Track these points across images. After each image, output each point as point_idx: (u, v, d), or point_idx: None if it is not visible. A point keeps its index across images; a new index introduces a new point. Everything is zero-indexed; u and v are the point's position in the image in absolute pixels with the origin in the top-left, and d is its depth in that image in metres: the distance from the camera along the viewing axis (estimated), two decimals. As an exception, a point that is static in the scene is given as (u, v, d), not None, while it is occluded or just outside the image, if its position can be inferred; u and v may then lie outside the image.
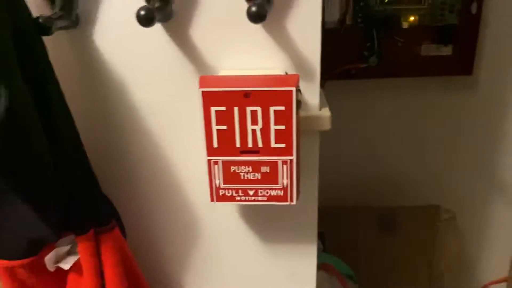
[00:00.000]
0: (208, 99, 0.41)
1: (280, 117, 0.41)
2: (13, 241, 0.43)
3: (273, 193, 0.44)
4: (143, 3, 0.41)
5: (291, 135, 0.42)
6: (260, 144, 0.42)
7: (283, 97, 0.40)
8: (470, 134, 1.03)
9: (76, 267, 0.46)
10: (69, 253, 0.46)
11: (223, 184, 0.44)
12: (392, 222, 1.05)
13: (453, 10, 0.92)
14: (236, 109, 0.41)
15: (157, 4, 0.41)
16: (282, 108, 0.41)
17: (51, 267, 0.45)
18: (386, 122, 1.04)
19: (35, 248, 0.44)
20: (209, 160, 0.44)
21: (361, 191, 1.07)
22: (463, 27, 0.93)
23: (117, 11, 0.44)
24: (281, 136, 0.42)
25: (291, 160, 0.43)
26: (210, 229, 0.53)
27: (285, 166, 0.43)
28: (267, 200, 0.44)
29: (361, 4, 0.92)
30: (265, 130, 0.42)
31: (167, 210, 0.52)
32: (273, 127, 0.42)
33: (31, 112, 0.36)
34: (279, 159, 0.43)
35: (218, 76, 0.45)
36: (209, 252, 0.54)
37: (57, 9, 0.42)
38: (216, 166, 0.44)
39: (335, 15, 0.93)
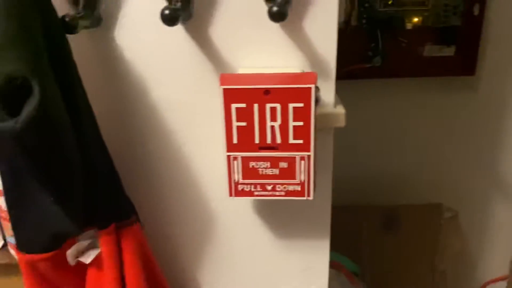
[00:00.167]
0: (229, 96, 0.42)
1: (299, 114, 0.42)
2: (36, 235, 0.44)
3: (291, 188, 0.45)
4: (164, 3, 0.42)
5: (309, 131, 0.43)
6: (278, 140, 0.44)
7: (302, 94, 0.42)
8: (473, 134, 1.05)
9: (96, 261, 0.47)
10: (90, 247, 0.47)
11: (242, 179, 0.45)
12: (395, 221, 1.07)
13: (456, 11, 0.94)
14: (256, 106, 0.42)
15: (179, 4, 0.42)
16: (301, 105, 0.42)
17: (72, 261, 0.46)
18: (389, 121, 1.06)
19: (58, 242, 0.45)
20: (228, 156, 0.45)
21: (364, 190, 1.08)
22: (466, 28, 0.95)
23: (138, 10, 0.46)
24: (299, 132, 0.43)
25: (308, 156, 0.44)
26: (226, 225, 0.54)
27: (302, 162, 0.44)
28: (285, 195, 0.46)
29: (366, 5, 0.94)
30: (283, 127, 0.43)
31: (184, 206, 0.53)
32: (291, 123, 0.43)
33: (61, 108, 0.37)
34: (297, 155, 0.44)
35: (238, 74, 0.46)
36: (224, 247, 0.55)
37: (80, 8, 0.43)
38: (235, 161, 0.45)
39: (340, 16, 0.94)
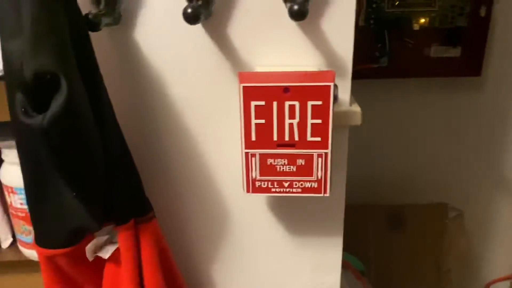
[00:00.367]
0: (248, 94, 0.43)
1: (317, 112, 0.43)
2: (57, 230, 0.44)
3: (308, 185, 0.46)
4: (184, 2, 0.43)
5: (327, 129, 0.43)
6: (296, 138, 0.44)
7: (321, 92, 0.42)
8: (478, 134, 1.06)
9: (114, 256, 0.48)
10: (108, 243, 0.48)
11: (259, 176, 0.46)
12: (401, 220, 1.07)
13: (462, 12, 0.95)
14: (275, 103, 0.43)
15: (200, 2, 0.43)
16: (320, 102, 0.43)
17: (90, 256, 0.47)
18: (395, 121, 1.06)
19: (77, 237, 0.45)
20: (246, 153, 0.45)
21: (370, 189, 1.09)
22: (472, 30, 0.96)
23: (157, 8, 0.46)
24: (317, 130, 0.44)
25: (326, 153, 0.45)
26: (240, 221, 0.54)
27: (320, 159, 0.45)
28: (302, 192, 0.46)
29: (374, 6, 0.95)
30: (302, 124, 0.44)
31: (200, 203, 0.53)
32: (310, 121, 0.43)
33: (86, 104, 0.38)
34: (314, 152, 0.45)
35: (257, 72, 0.46)
36: (238, 243, 0.55)
37: (102, 6, 0.44)
38: (253, 158, 0.45)
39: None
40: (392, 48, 0.96)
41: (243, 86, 0.43)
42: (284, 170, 0.46)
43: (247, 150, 0.45)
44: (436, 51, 0.98)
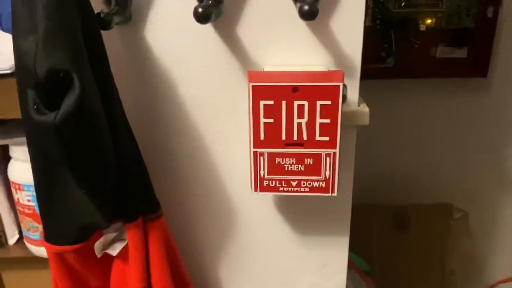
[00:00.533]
0: (258, 93, 0.43)
1: (326, 111, 0.43)
2: (66, 227, 0.45)
3: (315, 184, 0.46)
4: (194, 1, 0.43)
5: (336, 128, 0.44)
6: (305, 137, 0.44)
7: (330, 92, 0.42)
8: (484, 135, 1.06)
9: (123, 253, 0.48)
10: (116, 240, 0.48)
11: (268, 175, 0.46)
12: (405, 220, 1.08)
13: (469, 13, 0.95)
14: (284, 103, 0.43)
15: (210, 2, 0.43)
16: (328, 102, 0.43)
17: (99, 253, 0.47)
18: (400, 121, 1.06)
19: (86, 234, 0.45)
20: (255, 152, 0.45)
21: (375, 189, 1.09)
22: (479, 30, 0.96)
23: (167, 7, 0.46)
24: (326, 129, 0.44)
25: (334, 153, 0.45)
26: (247, 220, 0.55)
27: (328, 159, 0.45)
28: (309, 191, 0.46)
29: (380, 6, 0.95)
30: (310, 124, 0.44)
31: (207, 201, 0.54)
32: (318, 120, 0.44)
33: (98, 103, 0.38)
34: (323, 151, 0.45)
35: (266, 71, 0.47)
36: (245, 242, 0.56)
37: (113, 5, 0.44)
38: (261, 157, 0.46)
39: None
40: (398, 49, 0.96)
41: (252, 85, 0.43)
42: (292, 169, 0.46)
43: (255, 149, 0.45)
44: (442, 51, 0.98)
